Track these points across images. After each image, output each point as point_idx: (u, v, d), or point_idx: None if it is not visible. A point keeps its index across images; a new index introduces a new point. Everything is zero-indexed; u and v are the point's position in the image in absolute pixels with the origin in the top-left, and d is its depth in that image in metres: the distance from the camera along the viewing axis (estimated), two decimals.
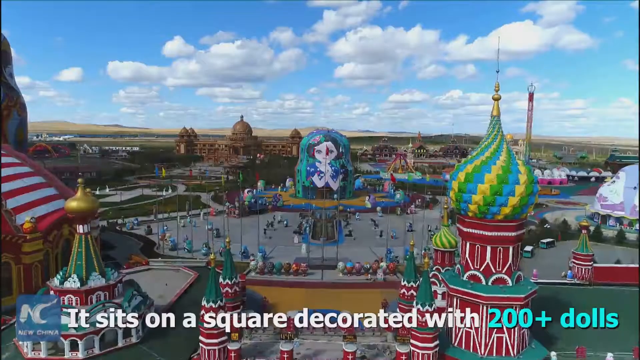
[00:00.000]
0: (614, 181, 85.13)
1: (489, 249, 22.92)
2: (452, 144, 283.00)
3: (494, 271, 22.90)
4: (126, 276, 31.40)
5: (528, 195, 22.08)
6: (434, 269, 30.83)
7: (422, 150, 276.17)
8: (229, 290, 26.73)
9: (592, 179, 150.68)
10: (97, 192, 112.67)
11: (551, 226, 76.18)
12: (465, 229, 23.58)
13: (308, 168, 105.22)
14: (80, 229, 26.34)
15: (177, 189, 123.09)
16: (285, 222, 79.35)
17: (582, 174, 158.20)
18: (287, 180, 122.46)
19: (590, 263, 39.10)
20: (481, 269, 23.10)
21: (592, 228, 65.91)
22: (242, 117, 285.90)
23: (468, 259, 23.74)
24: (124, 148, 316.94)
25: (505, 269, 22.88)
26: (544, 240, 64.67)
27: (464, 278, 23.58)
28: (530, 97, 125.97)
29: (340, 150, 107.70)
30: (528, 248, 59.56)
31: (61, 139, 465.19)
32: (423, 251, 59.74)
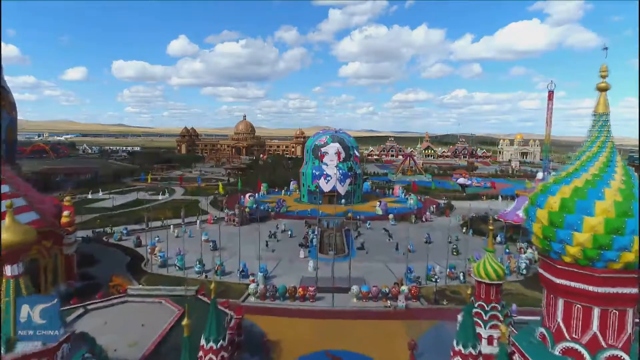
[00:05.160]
0: None
1: (596, 311, 15.27)
2: (462, 144, 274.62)
3: (604, 345, 15.25)
4: (79, 325, 23.92)
5: None
6: (476, 305, 23.32)
7: (430, 151, 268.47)
8: (214, 358, 18.85)
9: None
10: (90, 196, 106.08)
11: None
12: (557, 280, 15.89)
13: (314, 171, 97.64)
14: (8, 270, 18.87)
15: (174, 193, 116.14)
16: (289, 232, 71.79)
17: None
18: (292, 183, 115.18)
19: None
20: (584, 341, 15.50)
21: None
22: (244, 116, 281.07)
23: (561, 323, 16.09)
24: (124, 148, 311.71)
25: (621, 342, 15.29)
26: None
27: (556, 352, 15.98)
28: (550, 96, 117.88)
29: (351, 152, 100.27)
30: None
31: (63, 138, 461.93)
32: (448, 270, 52.24)
